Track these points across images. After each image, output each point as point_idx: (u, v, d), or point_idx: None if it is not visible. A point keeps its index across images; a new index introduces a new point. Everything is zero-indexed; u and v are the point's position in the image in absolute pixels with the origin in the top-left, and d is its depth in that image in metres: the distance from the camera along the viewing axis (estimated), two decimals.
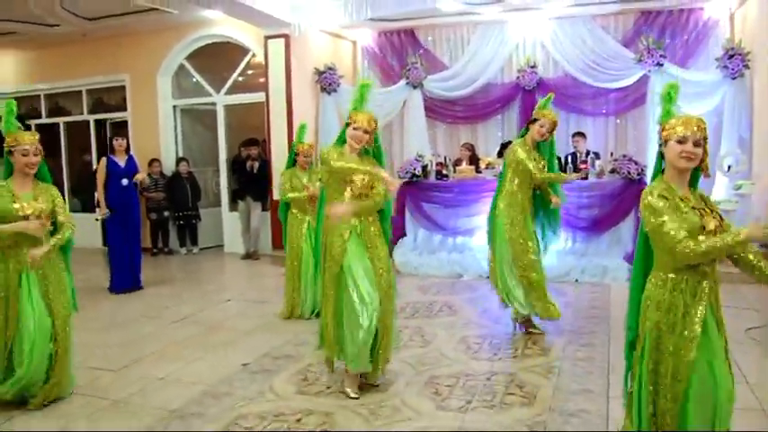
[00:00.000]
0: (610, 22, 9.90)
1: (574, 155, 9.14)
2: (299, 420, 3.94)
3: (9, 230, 4.05)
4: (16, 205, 4.09)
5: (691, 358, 2.69)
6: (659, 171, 2.90)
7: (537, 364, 4.86)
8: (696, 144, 2.75)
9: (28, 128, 12.01)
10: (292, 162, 6.58)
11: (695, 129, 2.76)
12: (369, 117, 4.28)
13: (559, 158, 8.90)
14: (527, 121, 5.71)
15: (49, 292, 4.25)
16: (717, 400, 2.70)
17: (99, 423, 4.04)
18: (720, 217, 2.79)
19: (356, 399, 4.21)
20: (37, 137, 4.26)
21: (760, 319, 5.74)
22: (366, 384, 4.42)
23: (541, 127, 5.44)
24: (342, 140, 4.38)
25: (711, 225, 2.71)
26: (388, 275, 4.33)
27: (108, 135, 11.23)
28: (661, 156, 2.90)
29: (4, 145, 4.15)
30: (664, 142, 2.85)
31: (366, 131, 4.25)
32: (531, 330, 5.60)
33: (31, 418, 4.13)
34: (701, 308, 2.73)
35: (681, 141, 2.76)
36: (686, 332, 2.72)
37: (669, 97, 2.93)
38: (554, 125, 5.52)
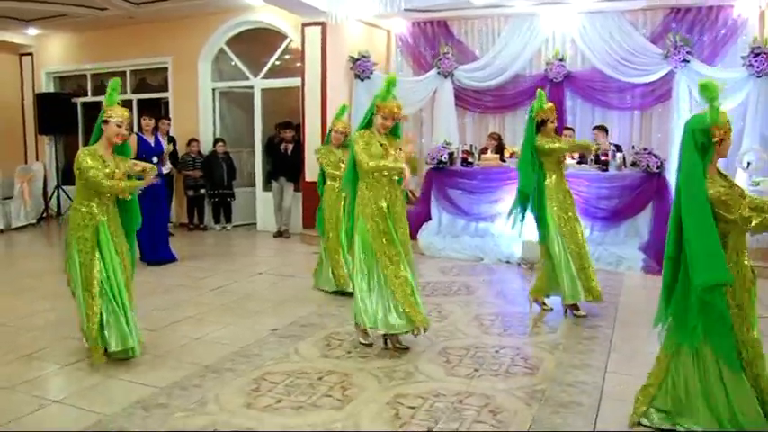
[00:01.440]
0: (638, 18, 10.08)
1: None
2: (320, 378, 4.36)
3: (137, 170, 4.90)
4: (107, 170, 4.64)
5: None
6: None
7: (543, 340, 5.21)
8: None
9: (73, 105, 12.85)
10: (328, 140, 6.83)
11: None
12: (396, 105, 4.87)
13: None
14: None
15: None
16: None
17: (138, 375, 4.50)
18: None
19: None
20: (128, 114, 4.76)
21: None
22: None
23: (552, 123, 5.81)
24: (368, 124, 4.96)
25: None
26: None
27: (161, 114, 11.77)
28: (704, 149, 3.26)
29: (103, 115, 4.64)
30: (719, 141, 3.25)
31: (393, 119, 4.89)
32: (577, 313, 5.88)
33: (77, 370, 4.60)
34: None
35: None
36: None
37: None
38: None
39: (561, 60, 10.19)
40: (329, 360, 4.75)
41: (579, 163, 8.80)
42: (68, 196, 12.95)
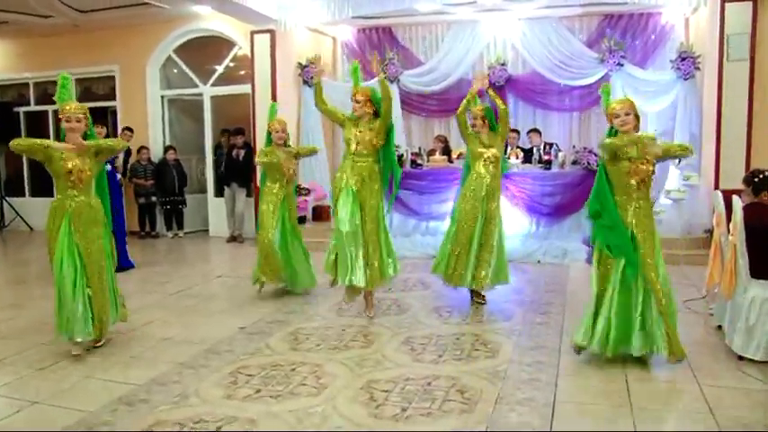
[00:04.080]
0: (575, 24, 10.64)
1: (538, 148, 9.83)
2: (293, 369, 4.58)
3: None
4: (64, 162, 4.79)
5: None
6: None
7: (500, 327, 5.56)
8: (626, 114, 4.46)
9: (15, 114, 12.66)
10: (269, 141, 6.81)
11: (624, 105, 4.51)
12: (362, 90, 5.85)
13: (525, 150, 9.67)
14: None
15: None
16: None
17: (115, 374, 4.63)
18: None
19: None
20: (76, 106, 4.85)
21: (696, 293, 6.47)
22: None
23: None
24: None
25: None
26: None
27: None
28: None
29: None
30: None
31: (358, 101, 5.77)
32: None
33: (51, 373, 4.71)
34: None
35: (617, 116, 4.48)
36: None
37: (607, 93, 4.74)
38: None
39: (503, 65, 10.63)
40: (300, 353, 4.97)
41: (524, 162, 9.22)
42: (12, 207, 12.77)
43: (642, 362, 4.52)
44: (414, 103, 11.25)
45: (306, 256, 6.83)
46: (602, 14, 10.44)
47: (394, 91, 10.83)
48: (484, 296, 6.35)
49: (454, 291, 6.51)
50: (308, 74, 10.59)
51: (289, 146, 6.90)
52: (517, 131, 10.23)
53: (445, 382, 4.28)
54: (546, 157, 8.89)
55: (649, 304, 4.42)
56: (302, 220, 9.38)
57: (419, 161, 9.42)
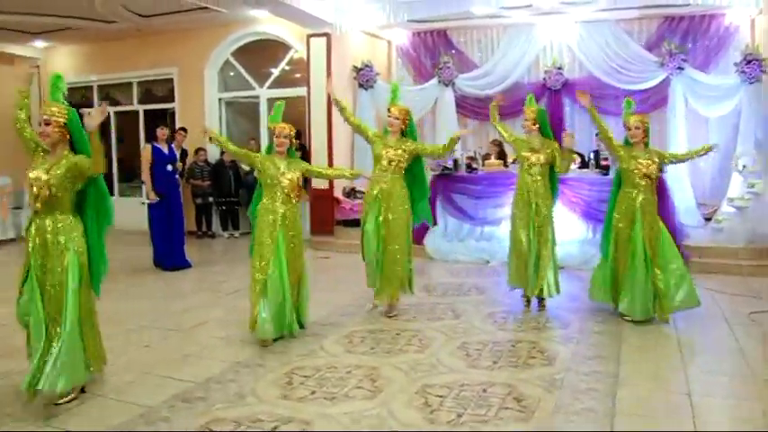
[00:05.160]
0: (633, 27, 10.41)
1: (596, 152, 9.66)
2: (348, 372, 4.60)
3: None
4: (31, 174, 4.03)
5: None
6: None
7: (557, 335, 5.48)
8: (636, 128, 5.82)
9: (80, 116, 13.02)
10: (270, 148, 5.62)
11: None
12: (400, 108, 6.02)
13: (582, 155, 9.52)
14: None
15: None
16: None
17: (173, 371, 4.71)
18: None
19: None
20: (54, 107, 4.03)
21: (761, 305, 6.27)
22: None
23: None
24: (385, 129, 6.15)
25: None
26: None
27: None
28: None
29: None
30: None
31: (397, 118, 5.95)
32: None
33: (111, 367, 4.82)
34: None
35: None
36: None
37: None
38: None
39: (559, 68, 10.49)
40: (354, 355, 5.00)
41: (580, 168, 9.08)
42: None
43: (709, 374, 4.40)
44: (468, 106, 11.18)
45: (303, 297, 5.61)
46: (662, 17, 10.20)
47: (450, 95, 10.87)
48: (543, 303, 6.26)
49: (509, 297, 6.45)
50: (363, 77, 10.63)
51: (293, 155, 5.64)
52: (572, 135, 10.03)
53: (501, 389, 4.23)
54: (604, 162, 8.73)
55: None
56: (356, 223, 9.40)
57: (474, 165, 9.37)
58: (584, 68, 10.57)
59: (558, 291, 6.20)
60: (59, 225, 4.06)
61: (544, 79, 10.66)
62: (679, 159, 6.43)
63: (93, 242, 4.23)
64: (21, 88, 4.22)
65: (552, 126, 10.36)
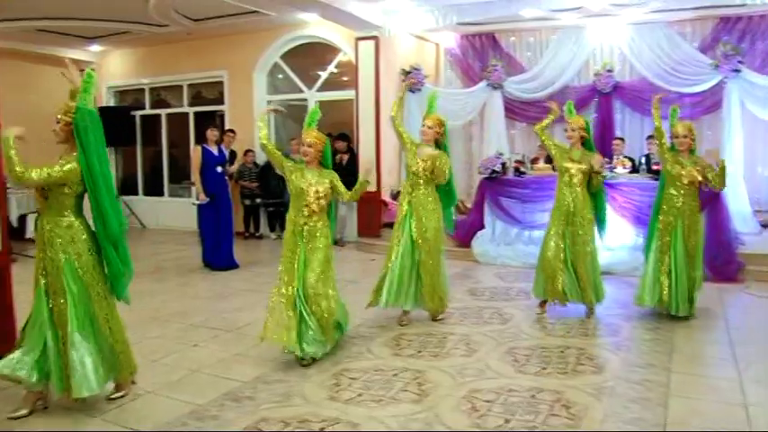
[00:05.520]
0: (687, 28, 10.21)
1: (648, 157, 9.50)
2: (395, 375, 4.60)
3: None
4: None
5: None
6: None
7: (606, 342, 5.39)
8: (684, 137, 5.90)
9: (132, 118, 13.35)
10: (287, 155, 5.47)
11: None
12: (435, 118, 5.91)
13: (632, 159, 9.36)
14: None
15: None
16: None
17: (222, 370, 4.79)
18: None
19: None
20: (68, 104, 3.97)
21: None
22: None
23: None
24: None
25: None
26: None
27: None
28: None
29: None
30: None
31: (430, 127, 5.87)
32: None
33: (162, 365, 4.91)
34: None
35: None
36: None
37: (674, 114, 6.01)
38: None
39: (609, 71, 10.34)
40: (401, 358, 4.99)
41: (631, 172, 8.93)
42: (127, 206, 13.46)
43: (766, 385, 4.28)
44: (517, 109, 11.10)
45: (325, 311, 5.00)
46: (717, 17, 9.95)
47: (498, 98, 10.81)
48: (591, 309, 6.18)
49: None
50: (411, 80, 10.63)
51: (328, 164, 5.20)
52: (622, 139, 9.91)
53: (549, 395, 4.18)
54: (655, 167, 8.56)
55: None
56: None
57: (522, 169, 9.29)
58: (636, 71, 10.41)
59: (601, 297, 6.16)
60: (56, 227, 3.96)
61: (594, 82, 10.53)
62: (714, 186, 5.99)
63: (102, 247, 4.06)
64: (71, 86, 4.15)
65: (602, 129, 10.32)
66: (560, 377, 4.53)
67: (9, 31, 10.78)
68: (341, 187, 5.12)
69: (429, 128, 5.87)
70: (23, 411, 3.98)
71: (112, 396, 4.21)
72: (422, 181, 5.85)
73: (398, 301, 5.80)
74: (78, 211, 4.03)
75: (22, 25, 10.91)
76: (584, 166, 5.98)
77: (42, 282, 4.01)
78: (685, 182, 5.82)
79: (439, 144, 5.93)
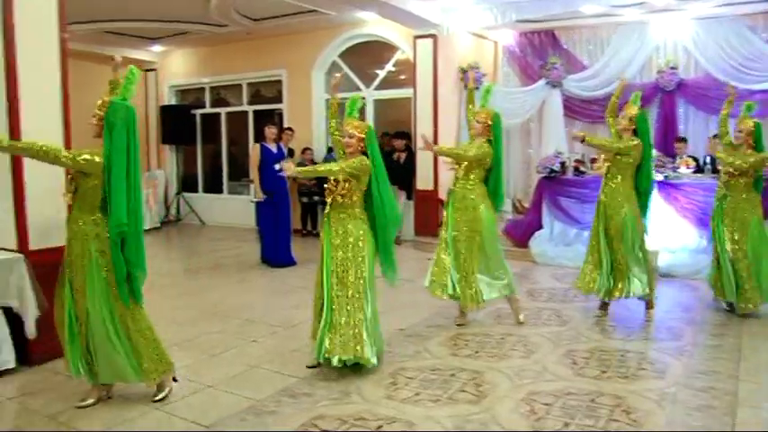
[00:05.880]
0: (758, 22, 9.80)
1: (712, 156, 9.22)
2: (452, 375, 4.59)
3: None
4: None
5: None
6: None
7: (668, 346, 5.24)
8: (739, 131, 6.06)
9: (192, 116, 13.63)
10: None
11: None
12: (487, 111, 5.76)
13: (696, 159, 9.11)
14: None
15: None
16: None
17: (279, 366, 4.84)
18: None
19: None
20: (104, 99, 4.00)
21: None
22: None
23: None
24: None
25: None
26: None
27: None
28: None
29: None
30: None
31: (478, 122, 5.75)
32: None
33: (221, 360, 4.99)
34: None
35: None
36: None
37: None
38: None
39: (673, 68, 10.07)
40: (458, 358, 4.98)
41: (695, 172, 8.69)
42: (187, 203, 13.77)
43: None
44: (576, 108, 10.91)
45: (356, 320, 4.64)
46: None
47: (557, 96, 10.66)
48: (650, 309, 6.05)
49: (618, 305, 6.22)
50: (468, 78, 10.54)
51: (372, 156, 4.79)
52: (684, 140, 9.64)
53: (609, 400, 4.10)
54: (720, 167, 8.31)
55: None
56: None
57: (582, 168, 9.14)
58: (700, 68, 10.10)
59: (649, 290, 5.98)
60: (84, 222, 4.00)
61: (656, 80, 10.25)
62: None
63: (111, 244, 4.00)
64: (112, 79, 4.21)
65: (664, 128, 10.05)
66: (621, 381, 4.44)
67: (80, 33, 11.11)
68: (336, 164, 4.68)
69: (478, 122, 5.77)
70: (90, 401, 4.12)
71: (155, 399, 4.19)
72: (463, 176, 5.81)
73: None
74: (106, 208, 4.01)
75: (90, 27, 11.26)
76: (626, 158, 5.91)
77: (67, 275, 4.05)
78: (730, 172, 6.01)
79: (488, 138, 5.79)
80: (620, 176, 5.95)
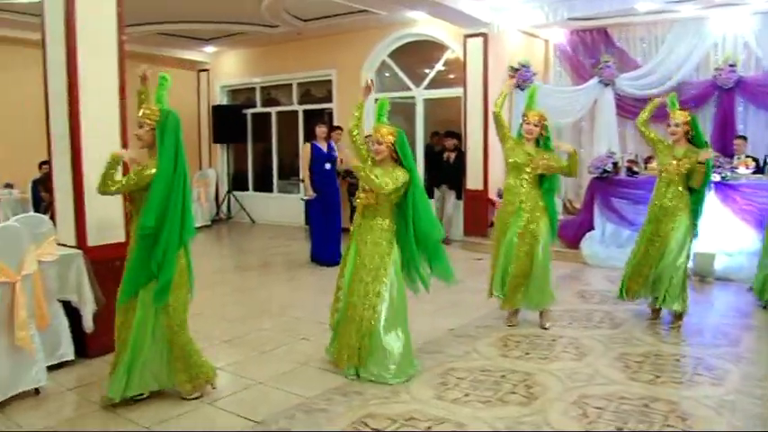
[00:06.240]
0: None
1: None
2: (502, 376, 4.56)
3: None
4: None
5: None
6: None
7: (725, 352, 5.10)
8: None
9: (243, 116, 13.81)
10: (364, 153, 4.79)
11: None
12: (538, 114, 5.53)
13: (756, 160, 8.85)
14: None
15: None
16: None
17: (329, 364, 4.85)
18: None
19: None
20: (144, 111, 4.00)
21: None
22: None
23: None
24: (519, 134, 5.70)
25: None
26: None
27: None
28: None
29: None
30: None
31: (535, 125, 5.48)
32: None
33: (272, 357, 5.04)
34: None
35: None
36: None
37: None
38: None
39: (732, 65, 9.80)
40: (509, 359, 4.94)
41: (755, 173, 8.45)
42: (238, 201, 13.96)
43: None
44: (629, 107, 10.69)
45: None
46: None
47: (610, 95, 10.49)
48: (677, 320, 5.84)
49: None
50: (520, 77, 10.45)
51: (405, 162, 4.63)
52: (744, 138, 9.37)
53: (664, 405, 4.01)
54: None
55: None
56: None
57: (635, 169, 8.97)
58: (761, 65, 9.80)
59: (684, 307, 5.75)
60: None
61: (714, 77, 9.97)
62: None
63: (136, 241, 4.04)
64: (141, 89, 4.21)
65: (722, 128, 9.78)
66: (675, 387, 4.35)
67: (136, 35, 11.36)
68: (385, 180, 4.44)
69: (535, 126, 5.52)
70: (144, 394, 4.19)
71: (188, 396, 4.19)
72: (528, 180, 5.66)
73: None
74: None
75: (146, 29, 11.51)
76: (685, 165, 5.67)
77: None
78: None
79: (538, 143, 5.63)
80: (676, 178, 5.78)
